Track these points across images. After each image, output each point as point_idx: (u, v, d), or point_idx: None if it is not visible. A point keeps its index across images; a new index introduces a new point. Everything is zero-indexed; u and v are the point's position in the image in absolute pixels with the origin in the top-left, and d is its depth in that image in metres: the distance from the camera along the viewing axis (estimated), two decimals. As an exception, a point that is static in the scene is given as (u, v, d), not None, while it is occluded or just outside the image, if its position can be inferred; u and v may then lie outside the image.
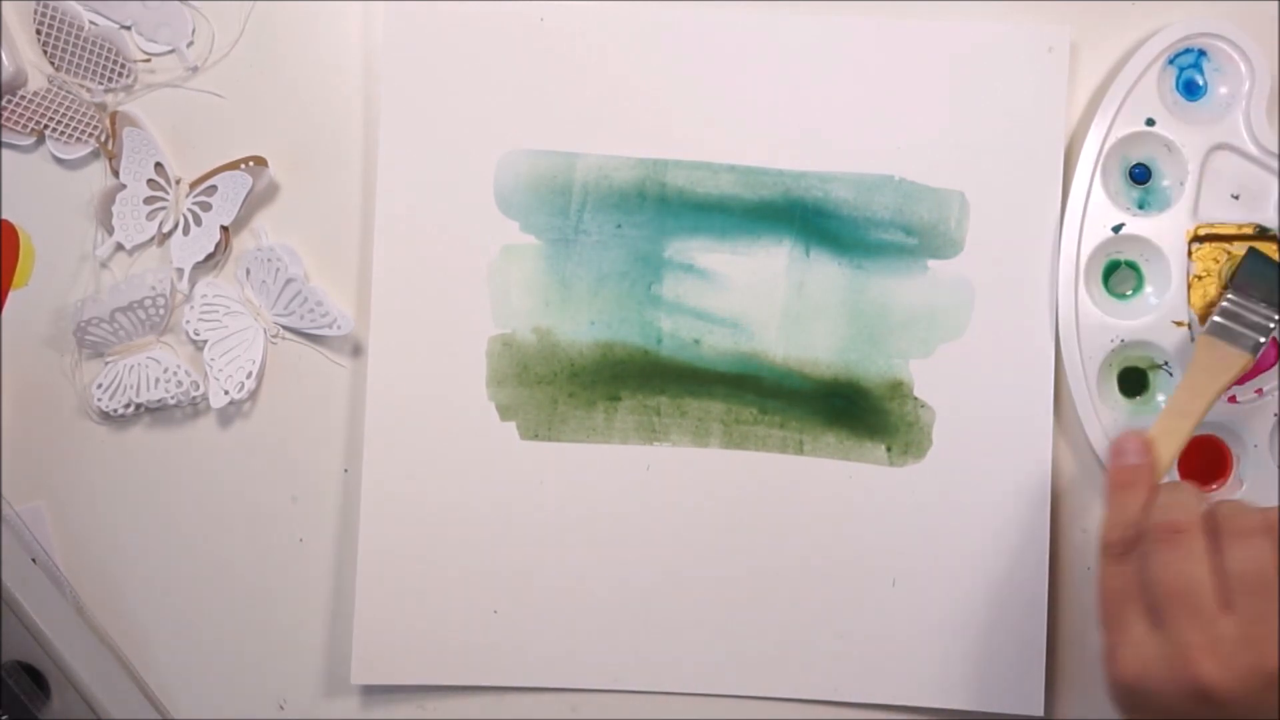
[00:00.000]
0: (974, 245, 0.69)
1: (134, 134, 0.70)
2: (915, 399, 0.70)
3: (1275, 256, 0.68)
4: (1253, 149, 0.68)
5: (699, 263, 0.70)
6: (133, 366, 0.70)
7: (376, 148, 0.70)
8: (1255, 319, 0.64)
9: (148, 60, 0.70)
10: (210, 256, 0.70)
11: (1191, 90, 0.69)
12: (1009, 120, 0.69)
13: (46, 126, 0.70)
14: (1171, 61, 0.69)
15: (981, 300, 0.69)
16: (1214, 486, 0.70)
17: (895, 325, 0.70)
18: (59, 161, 0.71)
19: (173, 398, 0.70)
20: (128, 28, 0.70)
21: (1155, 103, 0.68)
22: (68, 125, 0.70)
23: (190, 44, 0.70)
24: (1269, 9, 0.69)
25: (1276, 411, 0.68)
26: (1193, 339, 0.68)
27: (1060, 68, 0.69)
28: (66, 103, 0.70)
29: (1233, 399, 0.69)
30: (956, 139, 0.69)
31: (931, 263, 0.69)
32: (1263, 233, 0.69)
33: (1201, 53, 0.69)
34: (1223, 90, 0.69)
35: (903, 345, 0.70)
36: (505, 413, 0.70)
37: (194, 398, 0.70)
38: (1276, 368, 0.68)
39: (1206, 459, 0.70)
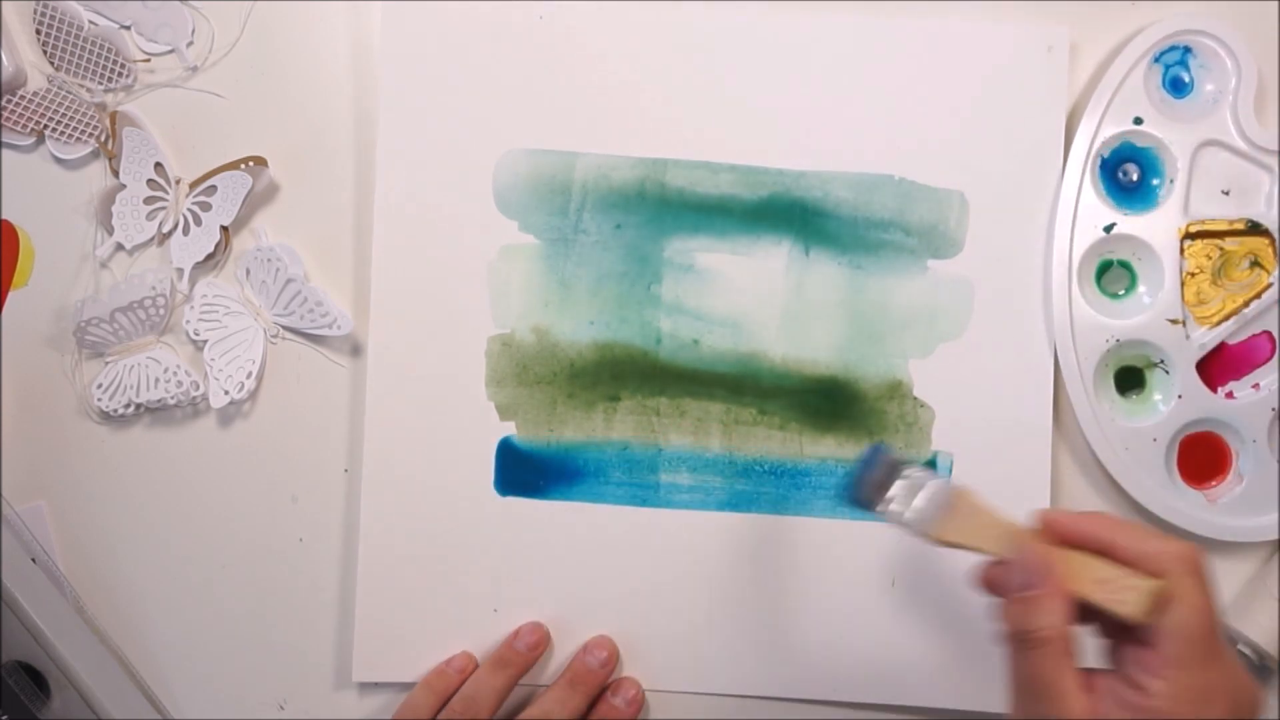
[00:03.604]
0: (973, 245, 0.70)
1: (134, 134, 0.70)
2: (915, 399, 0.70)
3: (1270, 252, 0.69)
4: (1241, 144, 0.69)
5: (698, 263, 0.70)
6: (133, 366, 0.70)
7: (376, 148, 0.70)
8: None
9: (148, 60, 0.71)
10: (210, 256, 0.70)
11: (1178, 87, 0.70)
12: (1008, 120, 0.69)
13: (46, 126, 0.70)
14: (1157, 59, 0.69)
15: (981, 300, 0.70)
16: (1213, 484, 0.70)
17: (895, 325, 0.70)
18: (59, 161, 0.71)
19: (173, 398, 0.70)
20: (128, 28, 0.70)
21: (1143, 101, 0.69)
22: (68, 125, 0.70)
23: (190, 44, 0.71)
24: (1255, 5, 0.70)
25: (1275, 406, 0.69)
26: (1188, 336, 0.69)
27: (1059, 67, 0.69)
28: (66, 103, 0.70)
29: (1230, 395, 0.69)
30: (956, 139, 0.70)
31: (931, 262, 0.70)
32: (1254, 227, 0.69)
33: (1187, 49, 0.70)
34: (1209, 87, 0.70)
35: (902, 345, 0.70)
36: (505, 412, 0.70)
37: (194, 398, 0.70)
38: (1274, 362, 0.69)
39: (1205, 456, 0.70)
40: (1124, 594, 0.52)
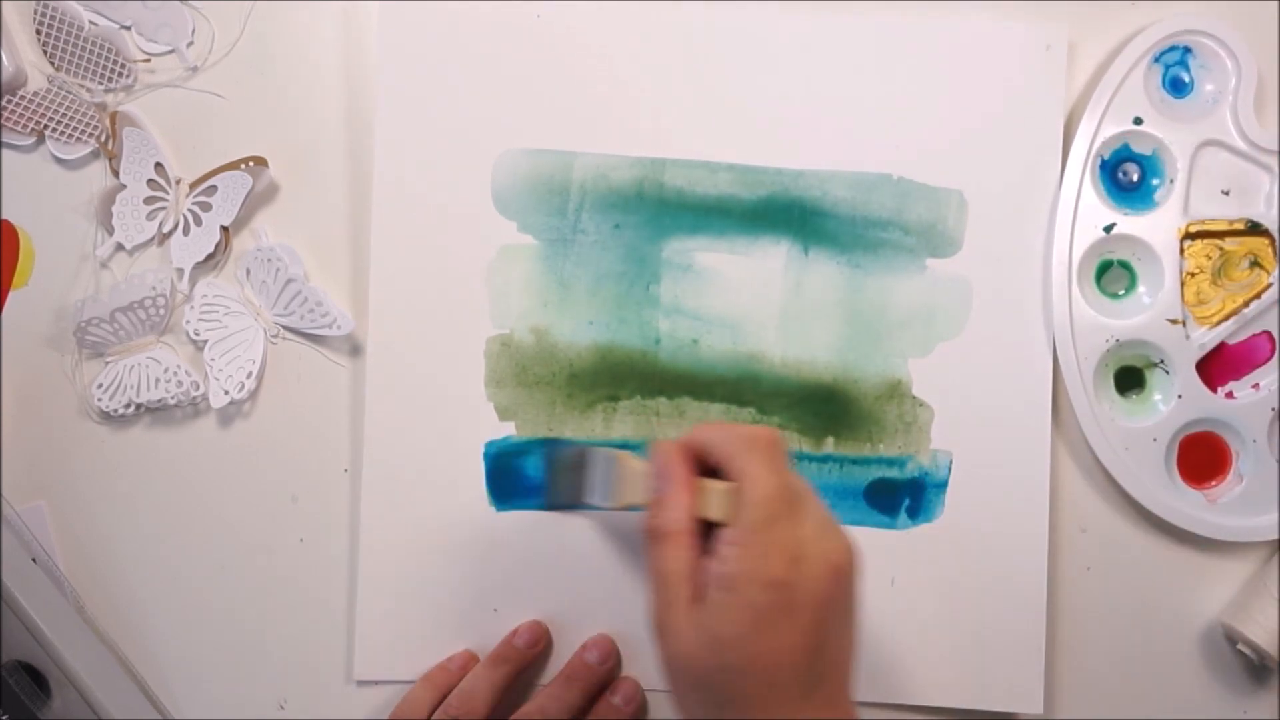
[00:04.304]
0: (972, 244, 0.70)
1: (134, 134, 0.70)
2: (914, 398, 0.70)
3: (1270, 252, 0.69)
4: (1241, 144, 0.69)
5: (697, 262, 0.70)
6: (133, 366, 0.70)
7: (374, 148, 0.70)
8: None
9: (148, 60, 0.71)
10: (210, 256, 0.70)
11: (1178, 88, 0.70)
12: (1007, 118, 0.69)
13: (46, 126, 0.70)
14: (1157, 59, 0.69)
15: (979, 299, 0.70)
16: (1213, 483, 0.70)
17: (893, 324, 0.70)
18: (59, 161, 0.71)
19: (173, 398, 0.70)
20: (128, 28, 0.70)
21: (1142, 101, 0.69)
22: (68, 125, 0.70)
23: (190, 44, 0.71)
24: (1255, 5, 0.70)
25: (1275, 406, 0.69)
26: (1187, 336, 0.69)
27: (1058, 66, 0.69)
28: (66, 103, 0.70)
29: (1230, 395, 0.69)
30: (954, 137, 0.70)
31: (930, 261, 0.70)
32: (1254, 227, 0.69)
33: (1187, 49, 0.69)
34: (1209, 87, 0.70)
35: (901, 344, 0.70)
36: (504, 413, 0.70)
37: (194, 398, 0.70)
38: (1274, 362, 0.69)
39: (1205, 456, 0.70)
40: (710, 499, 0.57)
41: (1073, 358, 0.69)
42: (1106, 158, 0.70)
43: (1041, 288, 0.70)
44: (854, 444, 0.70)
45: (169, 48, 0.70)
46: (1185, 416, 0.69)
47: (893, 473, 0.70)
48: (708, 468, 0.59)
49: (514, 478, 0.70)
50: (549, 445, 0.70)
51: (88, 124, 0.70)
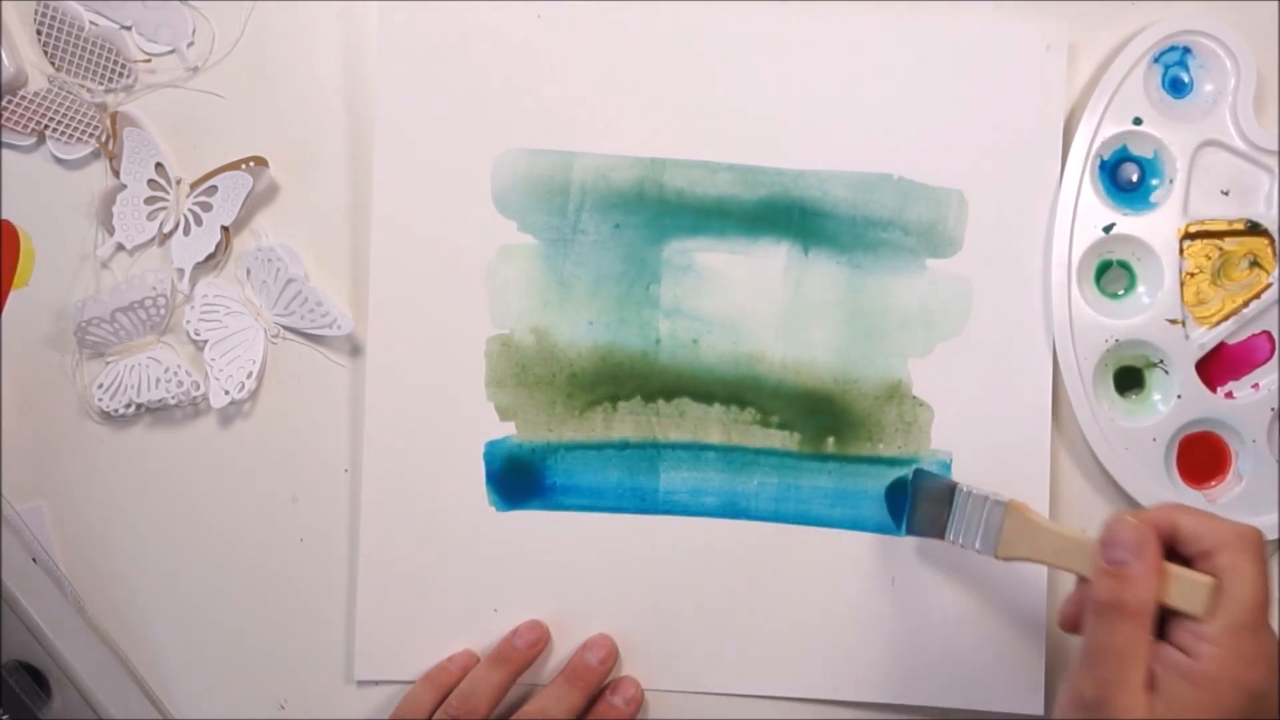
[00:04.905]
0: (972, 244, 0.70)
1: (134, 134, 0.70)
2: (914, 398, 0.70)
3: (1269, 252, 0.69)
4: (1241, 145, 0.69)
5: (697, 263, 0.70)
6: (133, 366, 0.70)
7: (374, 148, 0.70)
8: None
9: (148, 60, 0.71)
10: (211, 257, 0.70)
11: (1177, 88, 0.70)
12: (1007, 118, 0.69)
13: (47, 126, 0.70)
14: (1157, 60, 0.69)
15: (980, 299, 0.70)
16: (1213, 484, 0.70)
17: (894, 324, 0.70)
18: (59, 162, 0.71)
19: (173, 398, 0.70)
20: (128, 28, 0.70)
21: (1142, 101, 0.69)
22: (68, 125, 0.70)
23: (190, 44, 0.70)
24: (1255, 5, 0.70)
25: (1274, 406, 0.69)
26: (1187, 336, 0.69)
27: (1058, 66, 0.69)
28: (67, 103, 0.70)
29: (1230, 395, 0.69)
30: (955, 137, 0.69)
31: (930, 262, 0.70)
32: (1254, 227, 0.69)
33: (1186, 50, 0.69)
34: (1209, 87, 0.70)
35: (901, 344, 0.70)
36: (505, 413, 0.70)
37: (194, 398, 0.70)
38: (1273, 362, 0.69)
39: (1205, 456, 0.70)
40: (1183, 588, 0.55)
41: (1072, 358, 0.69)
42: (1106, 158, 0.70)
43: (1041, 288, 0.69)
44: (854, 444, 0.70)
45: (169, 48, 0.70)
46: (1185, 416, 0.69)
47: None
48: (1170, 550, 0.57)
49: (515, 478, 0.70)
50: (917, 473, 0.69)
51: (88, 124, 0.70)
